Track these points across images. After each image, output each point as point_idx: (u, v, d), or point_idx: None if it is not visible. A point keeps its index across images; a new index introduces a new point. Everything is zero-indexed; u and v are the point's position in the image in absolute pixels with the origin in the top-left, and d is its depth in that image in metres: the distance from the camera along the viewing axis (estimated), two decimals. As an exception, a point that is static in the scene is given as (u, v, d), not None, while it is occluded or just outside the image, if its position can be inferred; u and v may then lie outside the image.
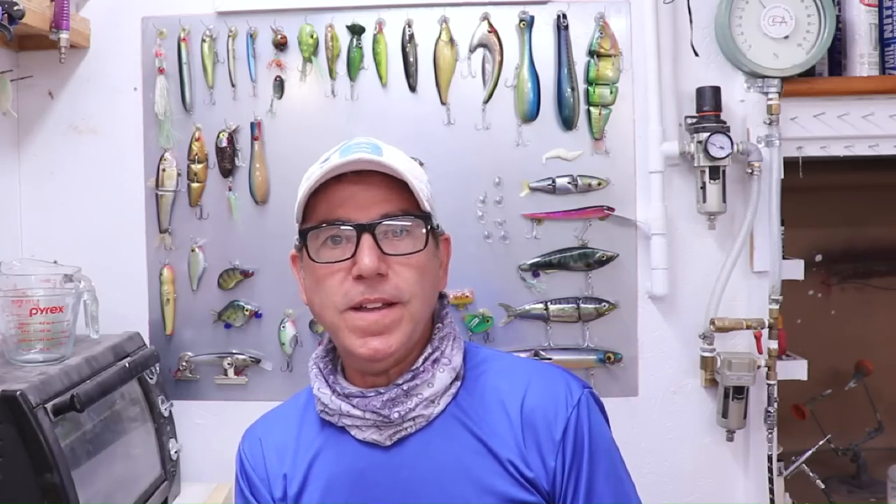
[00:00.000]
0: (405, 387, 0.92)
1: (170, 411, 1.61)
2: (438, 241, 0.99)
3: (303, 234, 0.95)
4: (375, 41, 1.70)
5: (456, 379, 0.96)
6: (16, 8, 1.37)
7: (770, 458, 1.66)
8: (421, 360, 0.94)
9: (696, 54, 1.69)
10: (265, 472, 1.01)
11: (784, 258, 1.69)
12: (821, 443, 1.93)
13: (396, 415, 0.92)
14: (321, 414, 0.98)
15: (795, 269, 1.71)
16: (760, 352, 1.65)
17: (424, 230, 0.92)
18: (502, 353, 1.06)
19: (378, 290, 0.90)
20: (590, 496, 0.89)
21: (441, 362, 0.95)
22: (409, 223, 0.92)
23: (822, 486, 1.82)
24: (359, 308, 0.90)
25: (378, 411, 0.92)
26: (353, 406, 0.93)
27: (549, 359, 1.67)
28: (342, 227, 0.91)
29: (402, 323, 0.91)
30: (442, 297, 1.03)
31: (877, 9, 1.68)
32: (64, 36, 1.55)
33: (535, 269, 1.70)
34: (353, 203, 0.91)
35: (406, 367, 0.94)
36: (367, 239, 0.89)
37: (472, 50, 1.71)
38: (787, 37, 1.62)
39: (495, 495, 0.88)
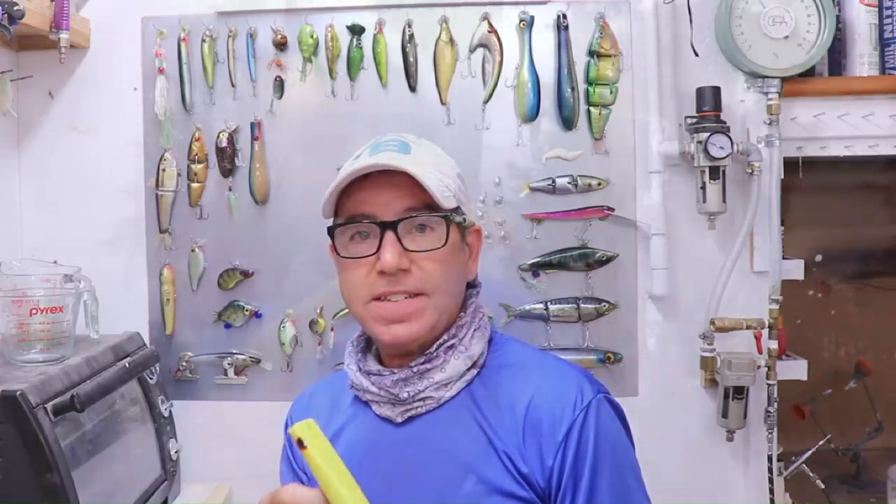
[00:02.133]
0: (416, 369, 0.96)
1: (170, 411, 1.61)
2: (465, 234, 1.02)
3: (330, 230, 0.99)
4: (375, 41, 1.70)
5: (473, 367, 0.98)
6: (16, 8, 1.37)
7: (770, 458, 1.66)
8: (435, 346, 0.97)
9: (696, 54, 1.69)
10: None
11: (784, 258, 1.69)
12: (821, 443, 1.93)
13: (406, 394, 0.96)
14: (351, 388, 1.03)
15: (795, 269, 1.71)
16: (760, 352, 1.65)
17: (445, 227, 0.95)
18: (529, 348, 1.07)
19: (401, 283, 0.94)
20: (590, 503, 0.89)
21: (457, 349, 0.97)
22: (430, 220, 0.95)
23: (822, 486, 1.82)
24: (383, 298, 0.95)
25: (389, 389, 0.97)
26: (372, 383, 0.98)
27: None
28: (366, 224, 0.95)
29: (425, 312, 0.95)
30: (472, 286, 1.05)
31: (877, 9, 1.68)
32: (64, 36, 1.55)
33: (535, 269, 1.70)
34: (377, 200, 0.95)
35: (422, 352, 0.97)
36: (389, 236, 0.93)
37: (472, 50, 1.71)
38: (787, 37, 1.62)
39: (486, 485, 0.90)
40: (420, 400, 0.96)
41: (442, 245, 0.95)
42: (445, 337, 0.97)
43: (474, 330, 1.00)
